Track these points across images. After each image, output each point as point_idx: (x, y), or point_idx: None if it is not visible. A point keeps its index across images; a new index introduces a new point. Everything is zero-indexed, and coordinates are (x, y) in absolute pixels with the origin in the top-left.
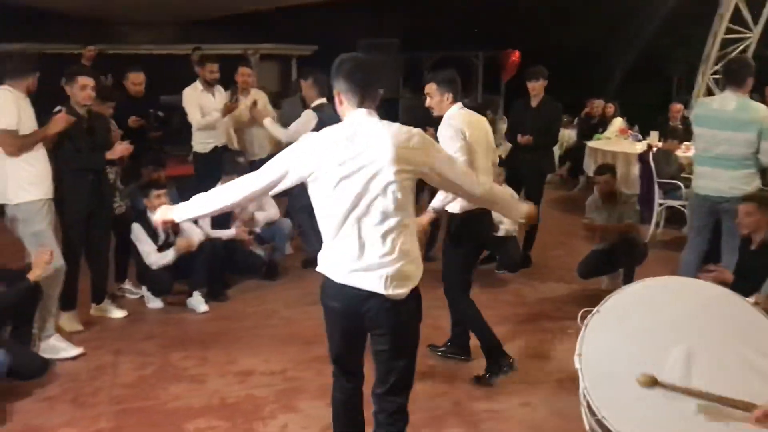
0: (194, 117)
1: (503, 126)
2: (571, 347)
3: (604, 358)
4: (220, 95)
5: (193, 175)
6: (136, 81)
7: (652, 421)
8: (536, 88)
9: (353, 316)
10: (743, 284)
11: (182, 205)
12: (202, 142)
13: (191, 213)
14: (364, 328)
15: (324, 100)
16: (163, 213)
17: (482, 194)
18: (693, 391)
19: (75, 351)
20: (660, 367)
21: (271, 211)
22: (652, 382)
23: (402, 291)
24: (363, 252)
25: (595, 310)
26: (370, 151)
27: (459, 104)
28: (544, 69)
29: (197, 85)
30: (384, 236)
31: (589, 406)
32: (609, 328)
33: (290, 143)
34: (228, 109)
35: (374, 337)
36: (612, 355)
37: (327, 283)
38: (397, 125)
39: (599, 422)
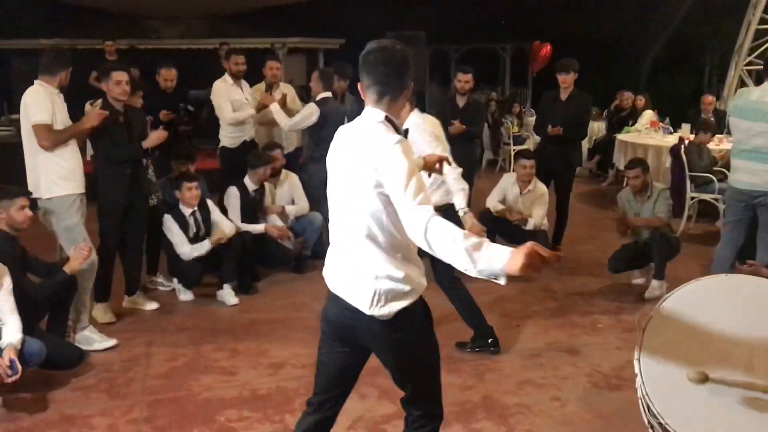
0: (225, 111)
1: (531, 120)
2: (601, 342)
3: (664, 360)
4: (246, 89)
5: (219, 170)
6: (168, 77)
7: (714, 420)
8: (567, 80)
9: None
10: None
11: None
12: (231, 136)
13: None
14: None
15: (329, 93)
16: None
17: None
18: (753, 384)
19: (109, 342)
20: (722, 366)
21: (301, 204)
22: (704, 379)
23: (387, 310)
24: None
25: (652, 312)
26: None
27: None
28: (575, 61)
29: (227, 78)
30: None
31: (650, 410)
32: (667, 329)
33: (292, 132)
34: (263, 104)
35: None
36: (671, 357)
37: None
38: (380, 130)
39: (662, 426)
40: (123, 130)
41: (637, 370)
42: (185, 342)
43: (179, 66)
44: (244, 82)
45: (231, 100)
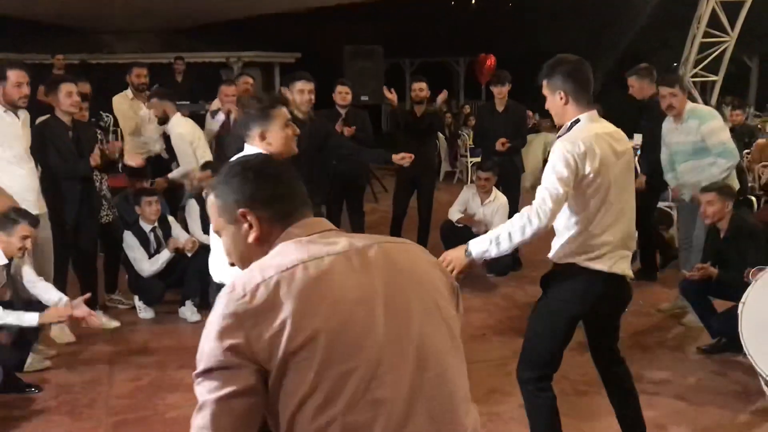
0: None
1: None
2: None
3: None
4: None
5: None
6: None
7: None
8: (503, 92)
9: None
10: (726, 273)
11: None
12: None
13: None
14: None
15: None
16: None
17: None
18: None
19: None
20: None
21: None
22: None
23: None
24: None
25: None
26: None
27: None
28: (508, 74)
29: (128, 92)
30: None
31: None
32: None
33: None
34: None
35: None
36: None
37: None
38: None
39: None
40: (72, 145)
41: (739, 311)
42: (148, 361)
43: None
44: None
45: (133, 115)
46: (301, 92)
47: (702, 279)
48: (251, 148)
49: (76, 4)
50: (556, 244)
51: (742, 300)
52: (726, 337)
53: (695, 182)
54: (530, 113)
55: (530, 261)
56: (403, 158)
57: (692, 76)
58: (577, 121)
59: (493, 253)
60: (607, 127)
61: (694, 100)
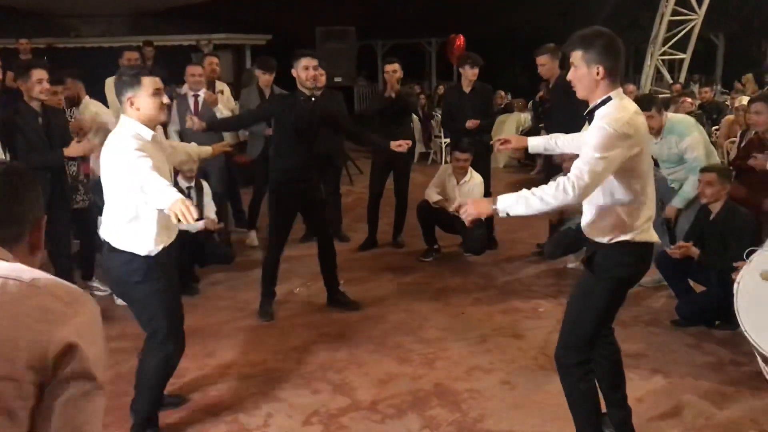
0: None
1: None
2: (543, 325)
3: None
4: None
5: None
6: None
7: None
8: (474, 74)
9: None
10: (706, 257)
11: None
12: None
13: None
14: None
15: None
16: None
17: None
18: None
19: None
20: None
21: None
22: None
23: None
24: None
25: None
26: None
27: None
28: (479, 57)
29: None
30: None
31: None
32: None
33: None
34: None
35: None
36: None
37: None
38: None
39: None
40: (42, 133)
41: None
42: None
43: (100, 64)
44: None
45: None
46: (305, 68)
47: (682, 258)
48: (124, 117)
49: None
50: (600, 224)
51: (737, 280)
52: (692, 324)
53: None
54: (502, 93)
55: (506, 240)
56: (400, 146)
57: (661, 54)
58: (609, 98)
59: (520, 211)
60: (632, 102)
61: (662, 78)
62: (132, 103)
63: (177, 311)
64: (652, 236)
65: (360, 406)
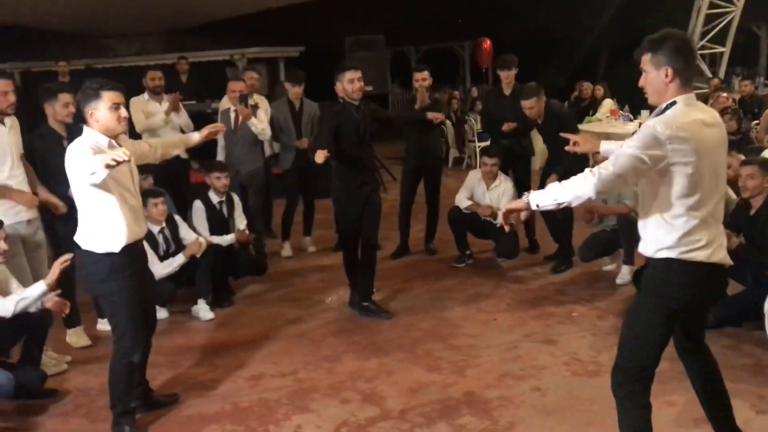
0: (138, 122)
1: None
2: (577, 330)
3: None
4: (165, 105)
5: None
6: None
7: None
8: (509, 76)
9: None
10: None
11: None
12: None
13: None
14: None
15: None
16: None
17: None
18: None
19: (62, 367)
20: None
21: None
22: None
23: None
24: None
25: None
26: None
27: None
28: (515, 57)
29: (144, 95)
30: None
31: None
32: None
33: None
34: (244, 117)
35: None
36: None
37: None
38: None
39: None
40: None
41: None
42: (162, 360)
43: (136, 82)
44: (165, 96)
45: (147, 113)
46: (351, 81)
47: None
48: (86, 128)
49: (77, 10)
50: (646, 237)
51: None
52: (725, 325)
53: None
54: None
55: (540, 244)
56: (436, 117)
57: (699, 49)
58: (674, 103)
59: (547, 201)
60: (704, 110)
61: (702, 73)
62: (92, 115)
63: (138, 310)
64: (710, 257)
65: (389, 415)
